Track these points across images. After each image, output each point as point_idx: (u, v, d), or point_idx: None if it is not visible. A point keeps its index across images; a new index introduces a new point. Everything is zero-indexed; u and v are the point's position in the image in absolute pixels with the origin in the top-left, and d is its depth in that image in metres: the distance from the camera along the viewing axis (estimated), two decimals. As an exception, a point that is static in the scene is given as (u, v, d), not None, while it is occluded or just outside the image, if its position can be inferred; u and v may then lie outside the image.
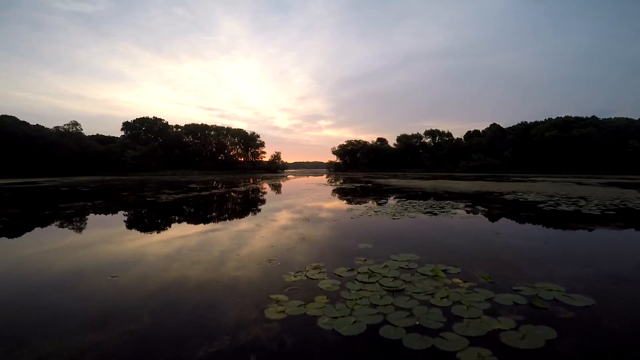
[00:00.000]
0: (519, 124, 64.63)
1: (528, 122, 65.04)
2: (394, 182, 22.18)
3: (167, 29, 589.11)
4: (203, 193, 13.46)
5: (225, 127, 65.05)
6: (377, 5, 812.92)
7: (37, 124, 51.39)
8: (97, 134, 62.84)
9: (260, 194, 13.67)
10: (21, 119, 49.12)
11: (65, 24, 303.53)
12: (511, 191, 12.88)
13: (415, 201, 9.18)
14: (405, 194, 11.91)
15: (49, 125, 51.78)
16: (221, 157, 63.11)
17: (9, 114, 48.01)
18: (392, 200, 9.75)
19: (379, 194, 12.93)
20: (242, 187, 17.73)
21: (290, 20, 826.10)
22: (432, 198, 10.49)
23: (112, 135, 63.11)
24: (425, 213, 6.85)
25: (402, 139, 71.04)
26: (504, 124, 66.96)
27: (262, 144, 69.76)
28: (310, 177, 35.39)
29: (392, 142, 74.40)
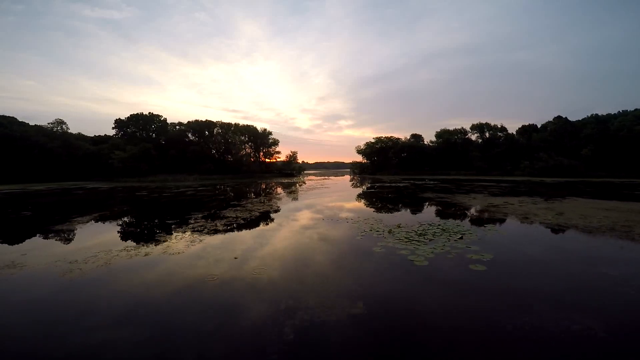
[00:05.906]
0: (589, 117, 51.64)
1: (599, 114, 51.92)
2: (526, 208, 11.16)
3: (191, 34, 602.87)
4: None
5: (233, 123, 55.82)
6: (396, 4, 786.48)
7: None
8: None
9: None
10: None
11: (96, 30, 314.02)
12: None
13: None
14: None
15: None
16: (229, 158, 53.98)
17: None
18: None
19: None
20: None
21: (309, 22, 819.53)
22: None
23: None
24: None
25: (442, 134, 58.57)
26: (537, 120, 54.15)
27: (275, 143, 59.56)
28: (332, 181, 24.87)
29: (424, 140, 62.55)
